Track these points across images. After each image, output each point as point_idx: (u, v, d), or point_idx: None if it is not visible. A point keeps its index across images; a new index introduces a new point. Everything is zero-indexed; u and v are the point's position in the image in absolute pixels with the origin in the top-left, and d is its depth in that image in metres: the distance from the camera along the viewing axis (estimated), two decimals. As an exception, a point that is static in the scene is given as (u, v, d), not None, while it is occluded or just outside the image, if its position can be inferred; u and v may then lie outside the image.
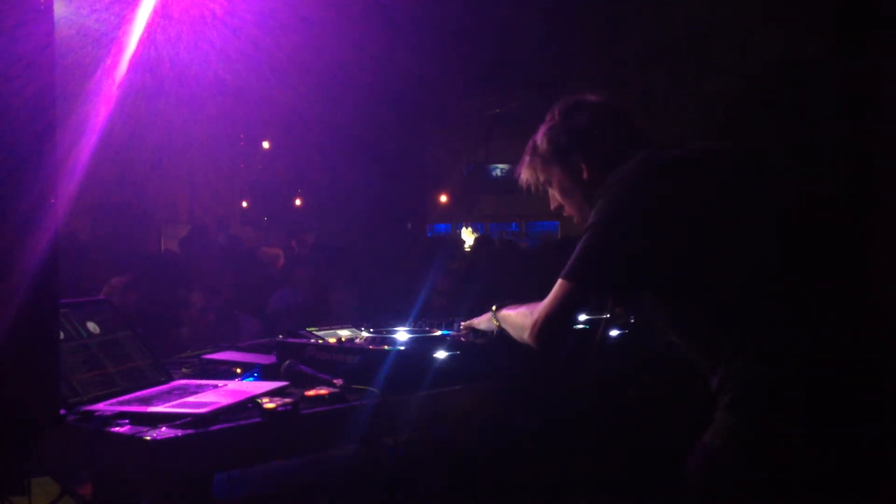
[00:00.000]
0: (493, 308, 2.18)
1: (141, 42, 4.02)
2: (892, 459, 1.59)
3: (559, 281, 1.80)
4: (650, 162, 1.82)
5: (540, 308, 1.84)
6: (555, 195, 2.05)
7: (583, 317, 2.58)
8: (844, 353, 1.62)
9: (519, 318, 1.99)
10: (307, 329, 2.44)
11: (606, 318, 2.60)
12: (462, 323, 2.37)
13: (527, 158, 2.06)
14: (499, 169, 15.52)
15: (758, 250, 1.69)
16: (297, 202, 15.21)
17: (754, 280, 1.67)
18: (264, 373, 2.13)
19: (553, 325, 1.82)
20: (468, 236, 16.53)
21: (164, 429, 1.56)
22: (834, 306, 1.68)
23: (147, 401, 1.78)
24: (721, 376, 1.65)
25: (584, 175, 1.94)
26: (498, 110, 11.66)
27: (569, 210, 2.03)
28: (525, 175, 2.07)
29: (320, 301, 5.10)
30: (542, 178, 2.04)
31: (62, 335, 1.83)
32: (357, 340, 2.27)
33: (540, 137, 2.02)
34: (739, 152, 1.90)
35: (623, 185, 1.78)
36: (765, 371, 1.61)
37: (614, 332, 2.56)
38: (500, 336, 2.15)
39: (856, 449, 1.57)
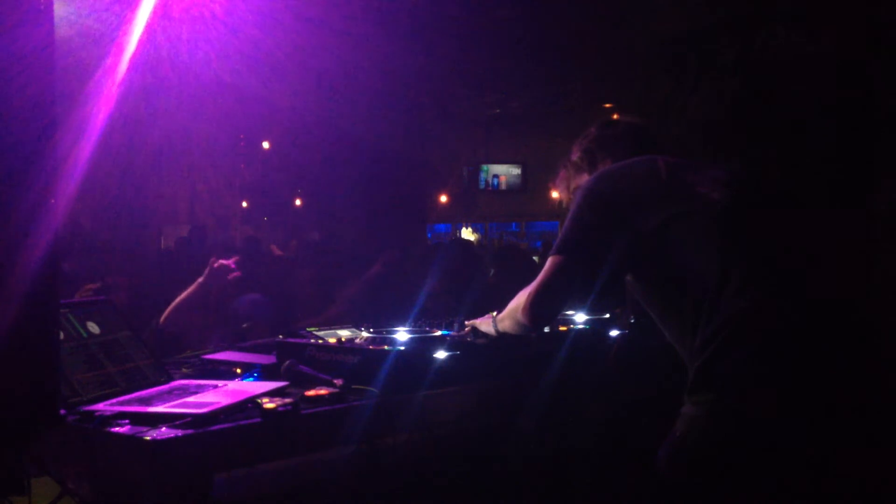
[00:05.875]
0: (494, 314, 2.20)
1: (141, 42, 4.01)
2: (846, 450, 1.59)
3: (549, 258, 1.85)
4: (642, 156, 1.92)
5: (532, 285, 1.89)
6: None
7: (582, 317, 2.59)
8: (801, 344, 1.63)
9: (513, 304, 2.05)
10: (307, 329, 2.44)
11: (605, 318, 2.60)
12: (466, 322, 2.38)
13: (562, 171, 2.21)
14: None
15: (732, 243, 1.72)
16: (297, 202, 15.20)
17: (722, 274, 1.68)
18: (264, 373, 2.13)
19: (544, 299, 1.87)
20: (468, 236, 16.52)
21: (164, 429, 1.56)
22: (813, 301, 1.69)
23: (147, 401, 1.79)
24: (692, 367, 1.68)
25: None
26: (498, 110, 11.65)
27: None
28: (560, 185, 2.21)
29: (322, 302, 5.08)
30: (573, 187, 2.16)
31: (62, 335, 1.83)
32: (357, 340, 2.27)
33: (574, 149, 2.18)
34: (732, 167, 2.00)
35: (607, 169, 1.92)
36: (721, 360, 1.62)
37: (614, 332, 2.56)
38: (501, 336, 2.16)
39: (807, 434, 1.58)
